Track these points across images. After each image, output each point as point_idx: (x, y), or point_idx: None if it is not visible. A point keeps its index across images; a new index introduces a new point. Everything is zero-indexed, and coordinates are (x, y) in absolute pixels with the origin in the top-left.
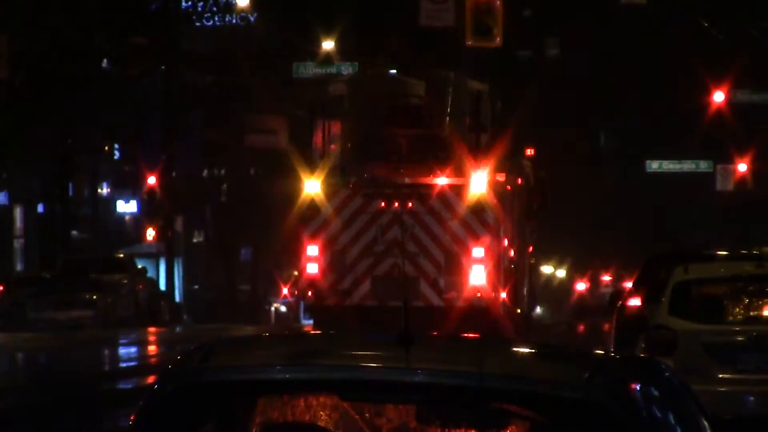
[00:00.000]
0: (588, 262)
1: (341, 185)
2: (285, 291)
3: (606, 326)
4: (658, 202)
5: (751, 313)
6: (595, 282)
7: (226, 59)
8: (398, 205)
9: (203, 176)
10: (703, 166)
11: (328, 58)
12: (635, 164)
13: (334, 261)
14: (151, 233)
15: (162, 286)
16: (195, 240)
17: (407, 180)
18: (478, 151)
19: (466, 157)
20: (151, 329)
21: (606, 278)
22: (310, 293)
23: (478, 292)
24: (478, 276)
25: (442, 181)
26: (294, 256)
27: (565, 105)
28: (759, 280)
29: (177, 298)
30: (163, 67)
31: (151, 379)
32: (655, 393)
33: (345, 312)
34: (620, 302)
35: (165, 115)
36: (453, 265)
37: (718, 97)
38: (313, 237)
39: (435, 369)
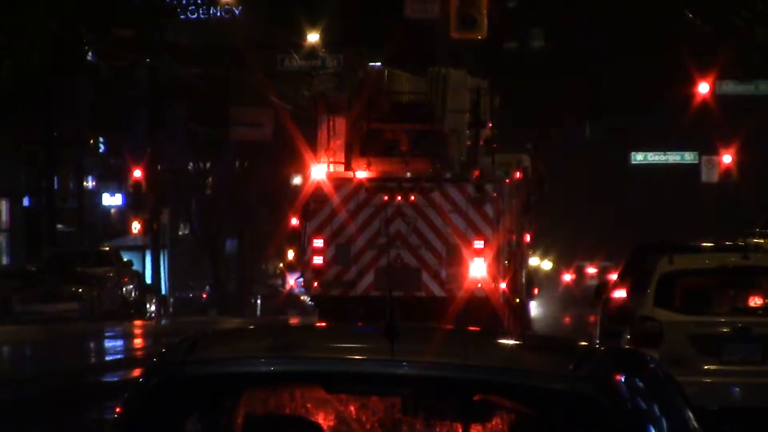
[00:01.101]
0: (573, 253)
1: (345, 179)
2: (291, 282)
3: (592, 318)
4: (642, 194)
5: (737, 305)
6: (580, 274)
7: (212, 52)
8: (401, 198)
9: (189, 169)
10: (688, 157)
11: (313, 51)
12: (619, 156)
13: (338, 253)
14: (136, 226)
15: (148, 279)
16: (180, 233)
17: (409, 174)
18: (478, 146)
19: (466, 152)
20: (137, 322)
21: (591, 270)
22: (315, 284)
23: (479, 282)
24: (478, 267)
25: (443, 174)
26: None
27: (550, 96)
28: (744, 272)
29: (163, 291)
30: (148, 60)
31: (136, 373)
32: (640, 384)
33: (349, 302)
34: (606, 294)
35: (150, 107)
36: (454, 257)
37: (703, 88)
38: (319, 229)
39: (420, 361)
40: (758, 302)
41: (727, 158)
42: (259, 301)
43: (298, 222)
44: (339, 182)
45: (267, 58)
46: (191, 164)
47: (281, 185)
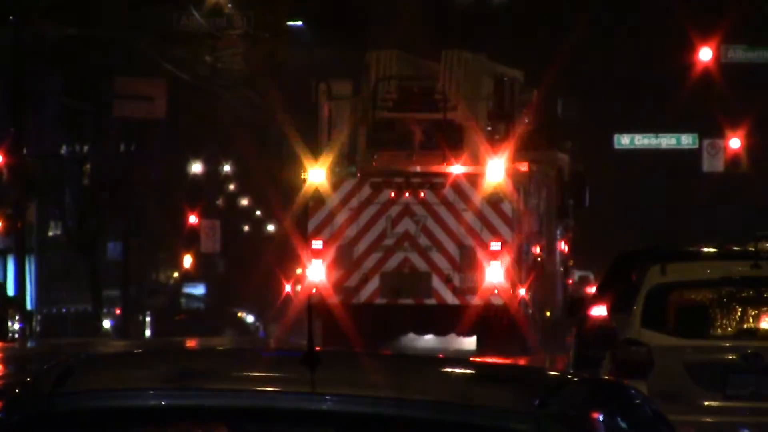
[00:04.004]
0: None
1: (348, 174)
2: (288, 288)
3: (568, 339)
4: (629, 186)
5: (745, 326)
6: None
7: (91, 8)
8: (409, 195)
9: (62, 154)
10: (687, 141)
11: (217, 8)
12: (601, 139)
13: (340, 256)
14: None
15: (10, 291)
16: (51, 233)
17: (419, 168)
18: (497, 139)
19: (483, 144)
20: None
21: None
22: (314, 290)
23: (495, 289)
24: (495, 272)
25: (456, 169)
26: (191, 252)
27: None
28: (754, 284)
29: (29, 306)
30: (11, 18)
31: None
32: (623, 425)
33: (352, 311)
34: (582, 311)
35: (14, 78)
36: (468, 261)
37: (705, 54)
38: (318, 230)
39: (346, 394)
40: None
41: (734, 142)
42: (148, 319)
43: (293, 222)
44: (340, 177)
45: (160, 16)
46: (65, 148)
47: (177, 175)
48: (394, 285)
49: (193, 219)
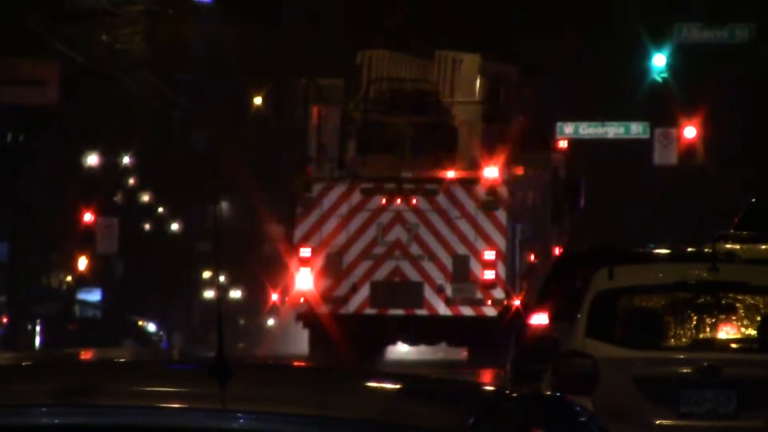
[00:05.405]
0: None
1: (337, 179)
2: (274, 297)
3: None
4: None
5: (701, 336)
6: None
7: None
8: (400, 201)
9: None
10: (636, 130)
11: None
12: (542, 126)
13: (328, 264)
14: None
15: None
16: None
17: (411, 173)
18: (492, 142)
19: (478, 149)
20: None
21: None
22: (302, 300)
23: (489, 300)
24: (488, 283)
25: (450, 174)
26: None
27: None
28: (712, 289)
29: None
30: None
31: None
32: None
33: (341, 321)
34: (516, 319)
35: None
36: (461, 270)
37: (657, 34)
38: (306, 237)
39: (261, 411)
40: (731, 332)
41: (689, 132)
42: (38, 328)
43: (283, 228)
44: (330, 182)
45: None
46: None
47: (70, 167)
48: (385, 295)
49: (88, 217)
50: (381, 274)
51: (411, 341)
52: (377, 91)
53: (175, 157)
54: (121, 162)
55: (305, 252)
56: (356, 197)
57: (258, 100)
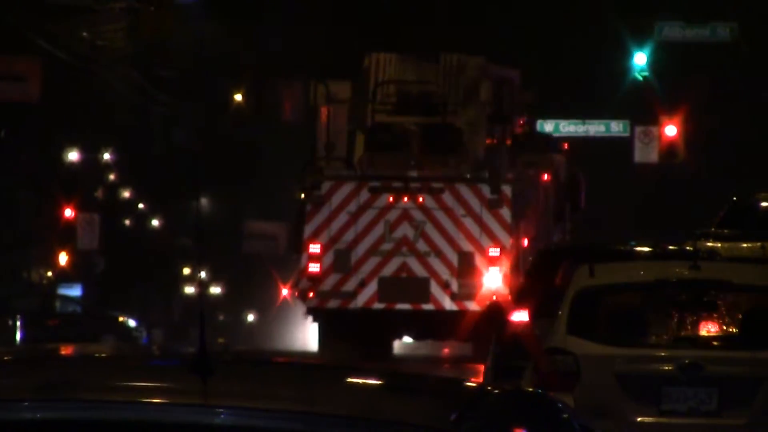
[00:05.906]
0: None
1: (346, 178)
2: (285, 292)
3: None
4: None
5: (682, 333)
6: None
7: None
8: (407, 199)
9: None
10: (617, 128)
11: None
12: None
13: (337, 260)
14: None
15: None
16: None
17: (418, 173)
18: (497, 143)
19: (483, 149)
20: None
21: None
22: (311, 294)
23: (494, 296)
24: (493, 279)
25: (455, 174)
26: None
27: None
28: (693, 287)
29: None
30: None
31: None
32: None
33: (349, 316)
34: (500, 316)
35: None
36: (467, 267)
37: (638, 31)
38: (315, 234)
39: (243, 406)
40: (712, 330)
41: (670, 130)
42: (18, 323)
43: (294, 224)
44: (338, 181)
45: None
46: None
47: (51, 163)
48: (392, 290)
49: (69, 212)
50: (389, 270)
51: (417, 336)
52: (385, 93)
53: (156, 153)
54: (102, 158)
55: (315, 248)
56: (364, 195)
57: (238, 97)
